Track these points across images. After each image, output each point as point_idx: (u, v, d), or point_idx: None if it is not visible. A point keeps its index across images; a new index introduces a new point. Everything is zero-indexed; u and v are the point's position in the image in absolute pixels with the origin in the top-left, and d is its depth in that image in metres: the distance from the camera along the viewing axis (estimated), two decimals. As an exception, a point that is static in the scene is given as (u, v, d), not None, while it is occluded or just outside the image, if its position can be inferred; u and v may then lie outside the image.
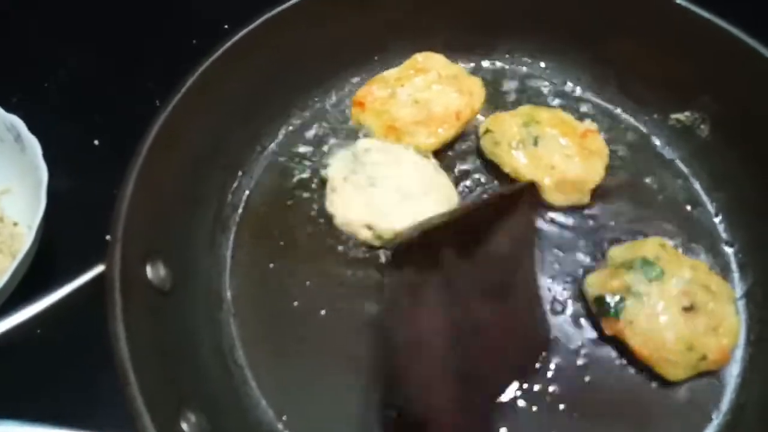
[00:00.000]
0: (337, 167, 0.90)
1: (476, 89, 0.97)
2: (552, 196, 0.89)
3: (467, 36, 1.03)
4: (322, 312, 0.84)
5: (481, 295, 0.73)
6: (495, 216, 0.73)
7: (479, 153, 0.95)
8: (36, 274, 0.86)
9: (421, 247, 0.68)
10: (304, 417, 0.77)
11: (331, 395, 0.79)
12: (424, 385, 0.68)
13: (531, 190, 0.82)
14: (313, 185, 0.94)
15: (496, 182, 0.94)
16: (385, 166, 0.88)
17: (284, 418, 0.77)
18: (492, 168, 0.94)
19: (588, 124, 0.94)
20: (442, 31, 1.02)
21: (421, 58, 1.00)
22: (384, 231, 0.85)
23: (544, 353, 0.80)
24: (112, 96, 1.14)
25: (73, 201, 0.96)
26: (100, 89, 1.15)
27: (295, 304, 0.85)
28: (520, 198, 0.76)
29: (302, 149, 0.98)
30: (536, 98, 1.01)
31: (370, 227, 0.86)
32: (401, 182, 0.87)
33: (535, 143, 0.90)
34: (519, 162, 0.90)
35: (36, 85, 1.15)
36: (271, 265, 0.87)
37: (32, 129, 0.90)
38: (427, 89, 0.96)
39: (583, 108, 1.00)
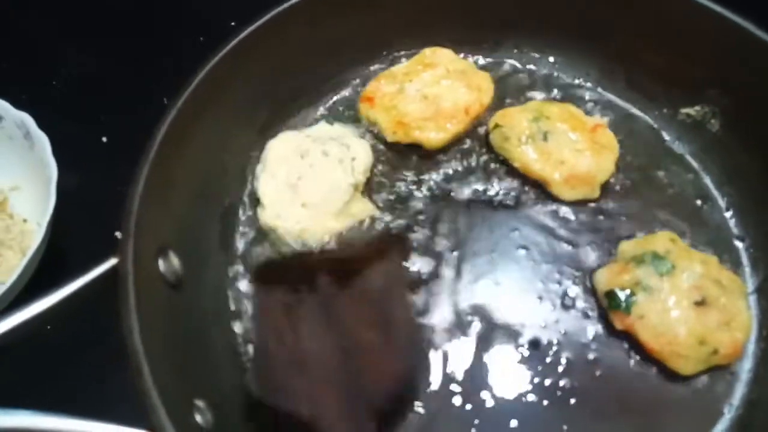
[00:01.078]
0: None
1: (485, 84, 0.97)
2: (561, 191, 0.89)
3: (474, 31, 1.02)
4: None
5: (364, 324, 0.78)
6: (367, 256, 0.81)
7: (488, 148, 0.95)
8: (45, 271, 0.86)
9: (294, 269, 0.75)
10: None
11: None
12: (308, 396, 0.73)
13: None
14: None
15: (508, 178, 0.94)
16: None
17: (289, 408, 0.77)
18: (501, 163, 0.94)
19: (597, 118, 0.94)
20: (449, 27, 1.01)
21: (429, 53, 1.00)
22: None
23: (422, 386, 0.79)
24: (120, 93, 1.14)
25: (81, 198, 0.97)
26: (108, 87, 1.15)
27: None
28: (388, 247, 0.82)
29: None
30: (545, 93, 1.01)
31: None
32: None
33: (545, 138, 0.90)
34: (528, 157, 0.90)
35: (43, 83, 1.16)
36: (282, 260, 0.87)
37: (40, 127, 0.90)
38: (436, 84, 0.96)
39: (592, 103, 1.00)
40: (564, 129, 0.91)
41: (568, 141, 0.90)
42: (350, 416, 0.73)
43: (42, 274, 0.86)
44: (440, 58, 0.99)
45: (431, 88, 0.95)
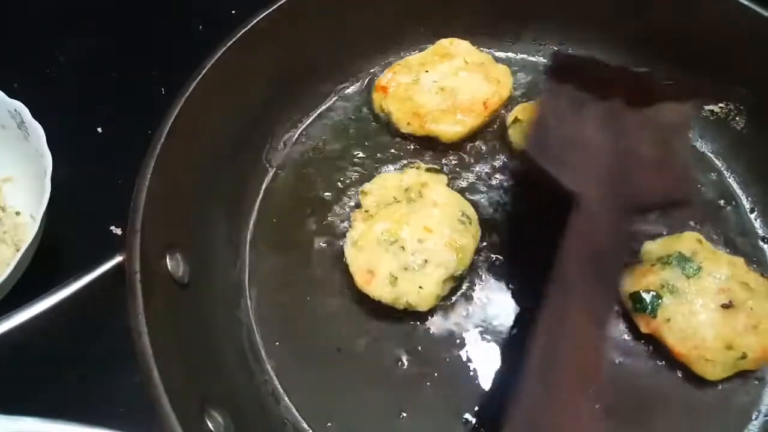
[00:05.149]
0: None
1: (504, 77, 0.94)
2: None
3: (492, 23, 1.00)
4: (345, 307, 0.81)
5: (646, 140, 0.75)
6: (661, 94, 0.76)
7: (507, 143, 0.92)
8: (40, 265, 0.84)
9: (588, 73, 0.74)
10: (328, 415, 0.75)
11: (355, 395, 0.77)
12: (578, 168, 0.72)
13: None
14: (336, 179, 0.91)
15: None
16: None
17: (308, 416, 0.75)
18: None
19: None
20: (464, 17, 0.99)
21: (446, 43, 0.97)
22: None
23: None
24: (116, 83, 1.11)
25: (75, 190, 0.93)
26: (103, 76, 1.12)
27: (316, 299, 0.82)
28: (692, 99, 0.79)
29: (324, 138, 0.95)
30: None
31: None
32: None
33: None
34: None
35: (38, 72, 1.12)
36: (290, 259, 0.85)
37: (34, 116, 0.87)
38: (453, 76, 0.93)
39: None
40: None
41: None
42: None
43: (36, 268, 0.83)
44: (458, 49, 0.96)
45: (448, 80, 0.93)
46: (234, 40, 0.82)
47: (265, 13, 0.85)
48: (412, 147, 0.93)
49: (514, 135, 0.90)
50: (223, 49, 0.81)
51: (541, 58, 1.02)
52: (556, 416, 0.60)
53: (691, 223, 0.87)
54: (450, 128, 0.90)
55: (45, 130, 0.85)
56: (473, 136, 0.93)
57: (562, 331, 0.63)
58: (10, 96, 0.88)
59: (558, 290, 0.65)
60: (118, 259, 0.66)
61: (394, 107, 0.92)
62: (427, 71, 0.93)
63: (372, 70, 1.00)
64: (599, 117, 0.75)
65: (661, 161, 0.75)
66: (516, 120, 0.90)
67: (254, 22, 0.83)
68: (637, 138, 0.75)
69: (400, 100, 0.92)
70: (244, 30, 0.82)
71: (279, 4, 0.85)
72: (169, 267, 0.71)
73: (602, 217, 0.69)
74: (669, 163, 0.75)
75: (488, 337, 0.80)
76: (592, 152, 0.73)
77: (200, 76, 0.78)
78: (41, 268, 0.84)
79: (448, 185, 0.86)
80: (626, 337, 0.79)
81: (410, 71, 0.94)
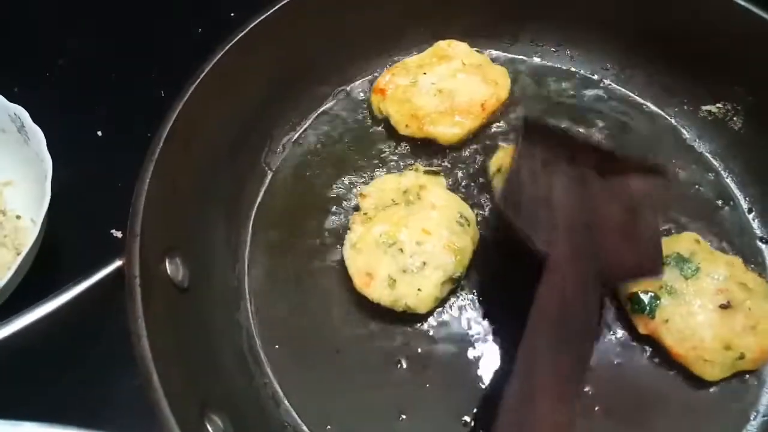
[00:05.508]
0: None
1: (502, 79, 0.94)
2: None
3: (490, 24, 1.00)
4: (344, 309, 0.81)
5: (614, 208, 0.75)
6: (626, 167, 0.77)
7: (489, 192, 0.90)
8: (40, 269, 0.84)
9: (558, 141, 0.75)
10: (327, 417, 0.75)
11: (354, 397, 0.77)
12: (548, 227, 0.71)
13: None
14: (335, 182, 0.91)
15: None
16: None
17: (307, 419, 0.75)
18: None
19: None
20: (462, 19, 0.99)
21: (444, 45, 0.97)
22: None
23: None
24: (115, 87, 1.11)
25: (75, 193, 0.93)
26: (103, 80, 1.12)
27: (316, 301, 0.82)
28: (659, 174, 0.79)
29: (322, 140, 0.95)
30: (560, 89, 0.99)
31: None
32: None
33: None
34: None
35: (37, 75, 1.12)
36: (289, 262, 0.85)
37: (34, 120, 0.87)
38: (451, 78, 0.93)
39: (608, 98, 0.98)
40: None
41: None
42: None
43: (36, 272, 0.83)
44: (456, 50, 0.96)
45: (446, 82, 0.93)
46: (231, 43, 0.82)
47: (262, 17, 0.85)
48: (411, 149, 0.93)
49: (498, 184, 0.88)
50: (221, 52, 0.81)
51: (539, 59, 1.02)
52: None
53: (689, 223, 0.87)
54: (448, 130, 0.90)
55: (45, 133, 0.85)
56: (472, 137, 0.93)
57: (529, 405, 0.63)
58: (10, 100, 0.88)
59: (527, 353, 0.65)
60: (118, 263, 0.66)
61: (393, 109, 0.92)
62: (425, 73, 0.93)
63: (370, 73, 1.00)
64: (569, 180, 0.76)
65: (629, 231, 0.75)
66: (500, 170, 0.88)
67: (252, 25, 0.83)
68: (605, 205, 0.75)
69: (399, 102, 0.92)
70: (241, 33, 0.82)
71: (276, 7, 0.85)
72: (168, 271, 0.71)
73: (571, 276, 0.69)
74: (637, 233, 0.75)
75: (487, 339, 0.80)
76: (561, 213, 0.73)
77: (198, 80, 0.78)
78: (42, 271, 0.84)
79: (446, 187, 0.86)
80: (625, 338, 0.79)
81: (408, 73, 0.94)
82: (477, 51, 0.98)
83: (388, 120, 0.92)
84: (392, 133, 0.93)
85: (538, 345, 0.65)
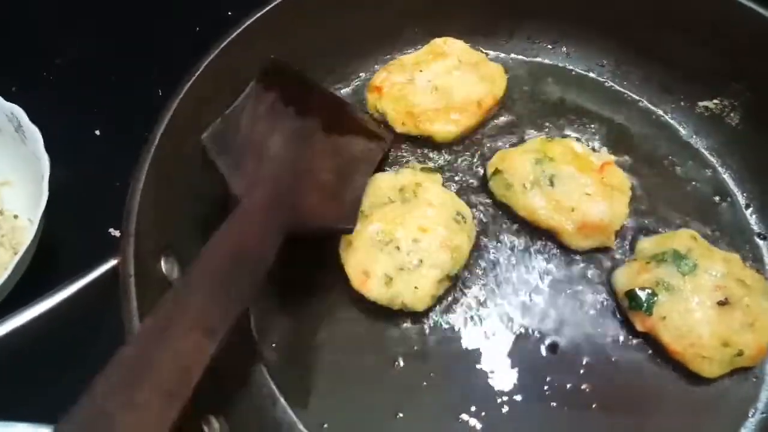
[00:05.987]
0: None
1: (498, 77, 0.94)
2: (574, 241, 0.83)
3: (486, 21, 0.99)
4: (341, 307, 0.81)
5: (326, 165, 0.79)
6: (355, 127, 0.83)
7: (488, 195, 0.89)
8: (38, 269, 0.84)
9: (294, 86, 0.79)
10: (324, 415, 0.75)
11: (351, 395, 0.76)
12: (251, 174, 0.72)
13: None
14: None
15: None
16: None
17: (304, 417, 0.75)
18: (503, 209, 0.88)
19: (604, 154, 0.89)
20: (458, 17, 0.98)
21: (440, 42, 0.96)
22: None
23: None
24: (113, 85, 1.11)
25: (73, 193, 0.94)
26: (100, 78, 1.12)
27: (312, 300, 0.82)
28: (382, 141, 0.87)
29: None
30: (557, 86, 0.98)
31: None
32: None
33: (551, 183, 0.83)
34: (536, 205, 0.83)
35: (34, 75, 1.12)
36: (286, 261, 0.84)
37: (32, 119, 0.87)
38: (447, 75, 0.92)
39: (605, 95, 0.97)
40: (571, 172, 0.83)
41: (577, 185, 0.83)
42: None
43: (34, 271, 0.84)
44: (452, 48, 0.96)
45: (442, 79, 0.92)
46: (227, 41, 0.81)
47: (257, 15, 0.85)
48: (407, 147, 0.93)
49: (496, 187, 0.87)
50: (216, 51, 0.81)
51: (535, 57, 1.01)
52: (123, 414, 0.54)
53: (686, 219, 0.87)
54: (444, 128, 0.90)
55: (43, 133, 0.85)
56: (468, 135, 0.93)
57: (164, 332, 0.58)
58: (9, 99, 0.89)
59: (183, 284, 0.63)
60: (113, 262, 0.66)
61: (389, 107, 0.91)
62: (421, 71, 0.93)
63: (366, 71, 1.00)
64: (290, 132, 0.77)
65: (333, 190, 0.76)
66: (497, 171, 0.86)
67: (247, 23, 0.83)
68: (320, 162, 0.77)
69: (395, 99, 0.91)
70: (237, 31, 0.82)
71: (271, 5, 0.85)
72: (164, 270, 0.71)
73: (258, 225, 0.69)
74: (341, 193, 0.77)
75: (484, 337, 0.79)
76: (270, 163, 0.74)
77: (193, 78, 0.78)
78: (40, 271, 0.84)
79: (442, 185, 0.86)
80: (622, 335, 0.79)
81: (404, 71, 0.94)
82: (473, 48, 0.97)
83: (385, 117, 0.92)
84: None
85: (193, 282, 0.62)
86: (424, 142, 0.92)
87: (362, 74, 1.00)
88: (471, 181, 0.90)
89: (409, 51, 0.99)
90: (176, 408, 0.54)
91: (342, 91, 0.99)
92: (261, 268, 0.66)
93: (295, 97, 0.78)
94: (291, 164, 0.75)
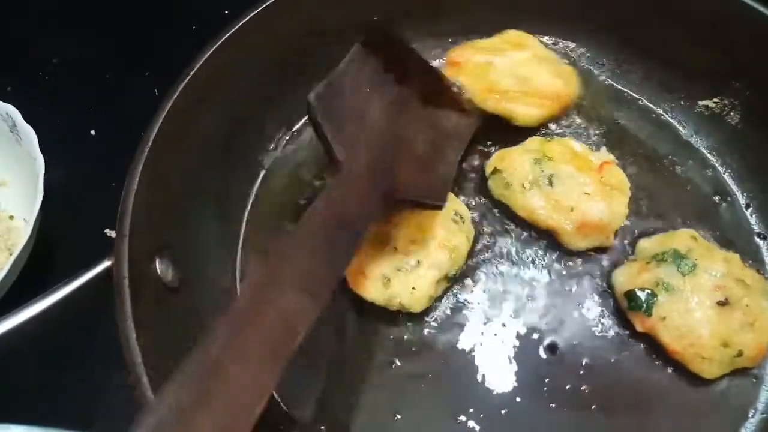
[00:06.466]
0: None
1: (570, 77, 0.92)
2: (573, 241, 0.82)
3: (483, 20, 0.97)
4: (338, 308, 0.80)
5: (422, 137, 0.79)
6: (451, 101, 0.83)
7: (486, 194, 0.88)
8: (33, 269, 0.84)
9: (394, 53, 0.77)
10: (321, 417, 0.75)
11: (348, 396, 0.76)
12: (350, 139, 0.71)
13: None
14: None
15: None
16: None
17: (300, 418, 0.75)
18: (502, 209, 0.87)
19: (603, 153, 0.88)
20: (457, 15, 0.97)
21: (514, 34, 0.94)
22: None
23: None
24: (109, 85, 1.11)
25: (69, 193, 0.95)
26: (96, 78, 1.11)
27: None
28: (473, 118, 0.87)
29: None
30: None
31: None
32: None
33: (550, 183, 0.82)
34: (534, 204, 0.82)
35: (30, 74, 1.12)
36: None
37: (26, 119, 0.87)
38: (528, 64, 0.90)
39: (605, 93, 0.97)
40: (570, 171, 0.83)
41: (576, 185, 0.82)
42: None
43: (29, 272, 0.84)
44: (527, 41, 0.94)
45: (523, 67, 0.90)
46: (222, 40, 0.80)
47: (253, 13, 0.83)
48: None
49: (495, 187, 0.86)
50: (211, 49, 0.80)
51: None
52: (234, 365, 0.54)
53: (686, 219, 0.86)
54: (528, 110, 0.88)
55: (39, 133, 0.85)
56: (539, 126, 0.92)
57: (272, 289, 0.58)
58: (3, 99, 0.88)
59: (289, 244, 0.62)
60: (107, 263, 0.66)
61: (469, 82, 0.89)
62: (499, 56, 0.91)
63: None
64: (388, 100, 0.76)
65: (427, 162, 0.76)
66: (495, 170, 0.85)
67: (243, 21, 0.82)
68: (414, 132, 0.77)
69: (475, 75, 0.89)
70: (232, 30, 0.81)
71: (268, 2, 0.84)
72: (158, 271, 0.71)
73: (357, 189, 0.68)
74: (435, 167, 0.76)
75: (482, 338, 0.79)
76: (371, 129, 0.73)
77: (188, 77, 0.77)
78: (36, 272, 0.84)
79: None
80: (621, 335, 0.79)
81: (481, 53, 0.91)
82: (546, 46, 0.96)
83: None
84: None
85: (298, 243, 0.62)
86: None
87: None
88: (470, 180, 0.90)
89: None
90: (281, 365, 0.54)
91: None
92: (360, 233, 0.66)
93: (396, 63, 0.77)
94: (390, 131, 0.74)
